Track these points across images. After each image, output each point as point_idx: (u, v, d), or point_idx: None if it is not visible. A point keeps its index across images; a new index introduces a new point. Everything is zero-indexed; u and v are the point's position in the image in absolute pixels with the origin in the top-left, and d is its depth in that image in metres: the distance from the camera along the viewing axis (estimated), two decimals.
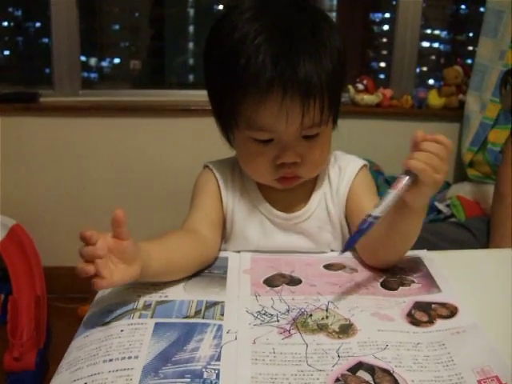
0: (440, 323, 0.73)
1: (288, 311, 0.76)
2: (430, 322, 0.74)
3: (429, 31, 2.83)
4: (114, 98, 2.56)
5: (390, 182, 2.28)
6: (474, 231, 1.35)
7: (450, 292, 0.81)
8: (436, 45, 2.98)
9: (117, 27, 3.02)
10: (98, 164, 2.53)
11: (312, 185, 0.98)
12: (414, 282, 0.85)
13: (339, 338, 0.70)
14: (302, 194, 0.97)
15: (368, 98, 2.48)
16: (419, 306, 0.77)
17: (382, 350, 0.67)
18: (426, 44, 2.80)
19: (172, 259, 0.81)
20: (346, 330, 0.71)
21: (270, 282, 0.84)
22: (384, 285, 0.84)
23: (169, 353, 0.66)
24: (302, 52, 0.80)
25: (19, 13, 2.95)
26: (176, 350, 0.66)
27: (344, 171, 0.99)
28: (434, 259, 0.91)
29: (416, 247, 0.90)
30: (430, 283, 0.84)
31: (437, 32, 2.94)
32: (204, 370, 0.63)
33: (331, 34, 0.85)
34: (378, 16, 3.04)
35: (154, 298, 0.78)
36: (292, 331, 0.71)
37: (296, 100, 0.80)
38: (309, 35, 0.82)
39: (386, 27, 3.00)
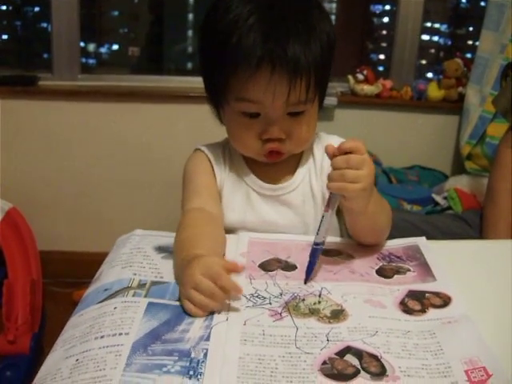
0: (432, 312, 0.73)
1: (281, 295, 0.76)
2: (423, 310, 0.74)
3: (429, 24, 2.82)
4: (113, 82, 2.55)
5: (387, 172, 2.29)
6: (471, 223, 1.35)
7: (444, 281, 0.81)
8: (436, 38, 2.99)
9: (116, 13, 3.03)
10: (95, 148, 2.52)
11: (297, 161, 1.01)
12: (409, 270, 0.85)
13: (330, 322, 0.70)
14: (288, 169, 1.00)
15: (368, 89, 2.48)
16: (413, 294, 0.78)
17: (371, 336, 0.67)
18: (425, 37, 2.79)
19: (219, 248, 0.87)
20: (337, 315, 0.72)
21: (266, 267, 0.84)
22: (379, 272, 0.84)
23: (159, 331, 0.66)
24: (292, 33, 0.84)
25: None
26: (166, 329, 0.67)
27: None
28: (431, 248, 0.91)
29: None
30: (426, 272, 0.84)
31: (437, 25, 2.95)
32: (192, 349, 0.63)
33: (322, 19, 0.89)
34: (378, 8, 3.05)
35: (149, 277, 0.78)
36: (283, 314, 0.71)
37: (283, 77, 0.84)
38: (300, 18, 0.86)
39: (385, 19, 3.01)
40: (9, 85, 2.42)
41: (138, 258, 0.83)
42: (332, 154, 0.80)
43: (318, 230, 0.81)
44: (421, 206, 2.12)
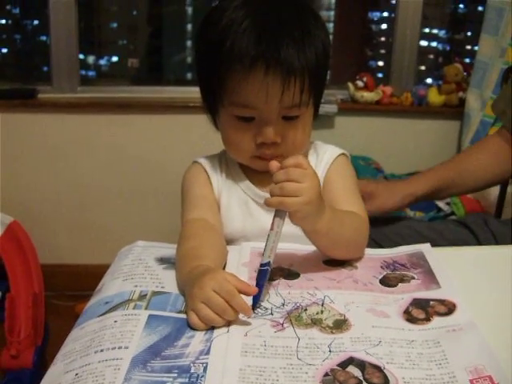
0: (437, 320, 0.72)
1: (283, 305, 0.75)
2: (427, 319, 0.73)
3: (427, 30, 2.83)
4: (112, 94, 2.55)
5: (389, 179, 2.28)
6: (474, 228, 1.33)
7: (449, 288, 0.79)
8: (434, 44, 2.99)
9: (115, 25, 3.03)
10: (95, 160, 2.52)
11: None
12: (414, 278, 0.84)
13: (332, 333, 0.69)
14: None
15: (368, 96, 2.47)
16: (417, 302, 0.76)
17: (374, 346, 0.66)
18: (424, 43, 2.79)
19: (222, 259, 0.87)
20: (340, 325, 0.71)
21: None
22: (383, 281, 0.83)
23: (159, 347, 0.65)
24: (286, 37, 0.84)
25: (17, 10, 2.94)
26: (166, 344, 0.66)
27: (321, 158, 1.01)
28: (436, 254, 0.90)
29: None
30: (430, 279, 0.82)
31: (435, 31, 2.95)
32: (192, 364, 0.62)
33: (317, 27, 0.89)
34: (376, 15, 3.05)
35: (150, 288, 0.78)
36: (285, 325, 0.71)
37: (277, 78, 0.84)
38: (295, 24, 0.86)
39: (384, 26, 3.01)
40: (8, 98, 2.43)
41: (139, 270, 0.83)
42: (275, 171, 0.78)
43: (264, 249, 0.77)
44: (424, 213, 2.11)
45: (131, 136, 2.50)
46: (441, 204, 2.10)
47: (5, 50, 2.97)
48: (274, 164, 0.78)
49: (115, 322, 0.70)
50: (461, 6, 3.03)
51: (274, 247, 0.77)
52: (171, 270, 0.83)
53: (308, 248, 0.91)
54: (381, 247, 0.99)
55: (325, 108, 2.34)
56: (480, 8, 2.75)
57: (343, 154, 1.02)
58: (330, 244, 0.87)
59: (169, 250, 0.90)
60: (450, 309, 0.74)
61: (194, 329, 0.69)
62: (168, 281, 0.81)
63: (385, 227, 1.31)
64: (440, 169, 1.37)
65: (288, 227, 0.97)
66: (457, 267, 0.87)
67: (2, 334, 1.91)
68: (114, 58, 3.06)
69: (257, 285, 0.75)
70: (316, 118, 0.97)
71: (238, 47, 0.84)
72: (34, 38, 2.93)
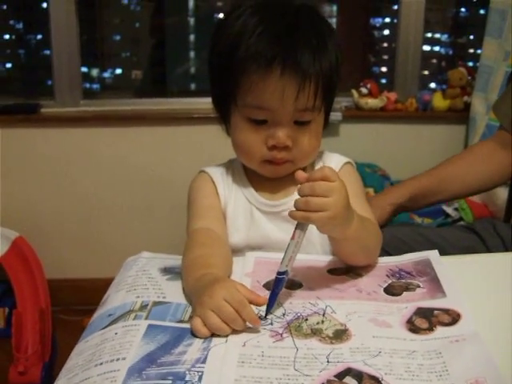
0: (440, 331, 0.70)
1: (284, 315, 0.74)
2: (430, 329, 0.71)
3: (429, 35, 2.82)
4: (116, 107, 2.55)
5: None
6: (482, 233, 1.31)
7: (454, 297, 0.78)
8: (437, 48, 2.98)
9: (118, 38, 3.04)
10: (100, 174, 2.52)
11: None
12: (419, 286, 0.82)
13: (332, 343, 0.68)
14: (290, 185, 0.98)
15: (372, 102, 2.46)
16: (421, 312, 0.75)
17: (373, 357, 0.65)
18: (426, 48, 2.79)
19: (229, 268, 0.87)
20: (340, 335, 0.70)
21: (270, 286, 0.81)
22: (387, 290, 0.82)
23: (155, 355, 0.65)
24: (303, 42, 0.86)
25: (20, 25, 2.96)
26: (163, 352, 0.65)
27: (329, 164, 1.00)
28: (443, 262, 0.89)
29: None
30: (436, 288, 0.81)
31: (437, 35, 2.95)
32: (187, 372, 0.62)
33: (332, 40, 0.91)
34: (378, 21, 3.05)
35: (152, 298, 0.78)
36: (284, 335, 0.70)
37: (293, 80, 0.85)
38: (312, 32, 0.88)
39: (386, 32, 3.01)
40: (11, 113, 2.43)
41: (142, 281, 0.83)
42: (301, 182, 0.76)
43: (283, 258, 0.77)
44: (432, 219, 2.10)
45: (135, 149, 2.50)
46: (449, 210, 2.09)
47: (9, 65, 2.99)
48: (300, 174, 0.77)
49: (116, 334, 0.70)
50: (462, 9, 3.02)
51: (292, 257, 0.77)
52: (174, 281, 0.83)
53: (312, 257, 0.91)
54: (389, 255, 0.97)
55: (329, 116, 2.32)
56: (482, 11, 2.77)
57: (349, 162, 1.02)
58: (356, 251, 0.87)
59: (173, 261, 0.90)
60: (454, 318, 0.73)
61: (194, 336, 0.69)
62: (170, 291, 0.80)
63: (393, 235, 1.29)
64: (422, 176, 1.36)
65: (289, 234, 0.96)
66: (464, 275, 0.86)
67: (9, 350, 1.91)
68: (118, 71, 3.07)
69: (272, 292, 0.75)
70: (326, 127, 0.98)
71: (255, 48, 0.85)
72: (38, 53, 2.94)
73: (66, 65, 2.50)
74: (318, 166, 1.01)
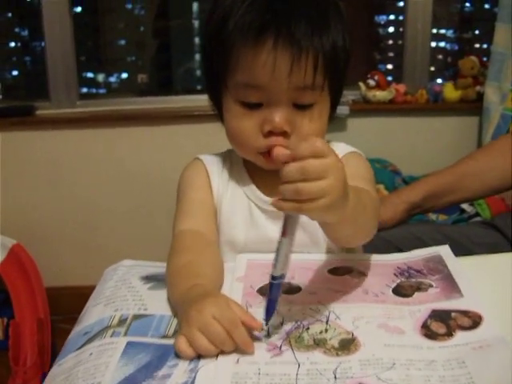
0: (460, 336, 0.63)
1: (282, 324, 0.67)
2: (449, 334, 0.64)
3: (435, 31, 2.80)
4: (113, 107, 2.51)
5: (407, 182, 2.20)
6: (504, 229, 1.25)
7: (473, 297, 0.71)
8: (442, 44, 2.96)
9: (123, 42, 3.04)
10: (99, 177, 2.47)
11: None
12: (431, 285, 0.75)
13: (338, 355, 0.60)
14: None
15: (380, 95, 2.39)
16: (436, 314, 0.68)
17: (387, 370, 0.57)
18: (432, 44, 2.75)
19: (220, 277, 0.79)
20: (347, 345, 0.62)
21: (265, 291, 0.74)
22: (396, 291, 0.74)
23: (135, 379, 0.57)
24: (300, 12, 0.77)
25: (26, 33, 2.96)
26: (144, 375, 0.58)
27: None
28: (456, 258, 0.81)
29: None
30: (451, 287, 0.74)
31: (443, 31, 2.93)
32: None
33: (339, 20, 0.82)
34: (382, 18, 3.04)
35: (131, 311, 0.70)
36: (283, 348, 0.62)
37: (286, 52, 0.75)
38: (312, 5, 0.79)
39: (391, 29, 3.00)
40: (6, 116, 2.40)
41: (121, 292, 0.75)
42: (283, 161, 0.60)
43: (275, 260, 0.64)
44: (447, 215, 2.03)
45: (134, 149, 2.46)
46: (464, 205, 2.02)
47: (15, 73, 2.99)
48: (279, 150, 0.64)
49: (91, 354, 0.62)
50: (467, 4, 3.01)
51: (287, 256, 0.63)
52: (157, 290, 0.75)
53: (310, 257, 0.83)
54: None
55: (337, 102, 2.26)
56: (487, 6, 2.82)
57: (356, 152, 0.92)
58: (352, 233, 0.75)
59: (156, 268, 0.82)
60: (475, 321, 0.65)
61: (178, 356, 0.60)
62: (152, 302, 0.72)
63: (410, 232, 1.23)
64: (439, 173, 1.30)
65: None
66: (484, 273, 0.78)
67: (8, 362, 1.86)
68: (124, 75, 3.07)
69: (268, 301, 0.65)
70: (333, 117, 0.87)
71: (243, 19, 0.76)
72: (43, 59, 2.94)
73: (61, 65, 2.46)
74: None
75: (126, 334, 0.65)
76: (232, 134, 0.85)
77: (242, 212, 0.90)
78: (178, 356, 0.60)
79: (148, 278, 0.79)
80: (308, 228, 0.86)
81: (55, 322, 2.09)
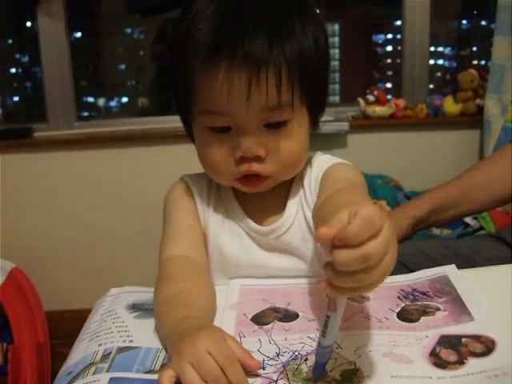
0: (473, 363, 0.58)
1: (278, 355, 0.62)
2: (460, 362, 0.59)
3: (432, 48, 2.81)
4: (111, 128, 2.50)
5: (410, 197, 2.18)
6: (511, 242, 1.21)
7: (484, 320, 0.66)
8: (440, 62, 2.98)
9: (123, 67, 3.06)
10: (98, 199, 2.46)
11: (286, 191, 0.84)
12: (439, 309, 0.70)
13: None
14: (278, 202, 0.84)
15: (380, 110, 2.38)
16: (446, 341, 0.63)
17: None
18: (430, 61, 2.76)
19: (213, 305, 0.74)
20: (350, 377, 0.57)
21: (260, 319, 0.70)
22: (401, 315, 0.70)
23: None
24: (254, 24, 0.69)
25: (26, 59, 2.98)
26: None
27: (316, 168, 0.85)
28: (464, 278, 0.76)
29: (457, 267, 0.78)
30: (460, 310, 0.69)
31: (440, 49, 2.95)
32: None
33: (307, 22, 0.74)
34: (380, 37, 3.05)
35: (116, 343, 0.65)
36: (280, 382, 0.57)
37: (242, 71, 0.69)
38: (271, 13, 0.72)
39: (389, 48, 3.02)
40: (3, 139, 2.40)
41: (106, 325, 0.70)
42: (331, 244, 0.49)
43: (324, 332, 0.56)
44: (451, 230, 2.01)
45: (132, 170, 2.44)
46: (467, 219, 2.00)
47: (16, 98, 3.02)
48: (322, 232, 0.49)
49: None
50: (464, 21, 3.03)
51: (337, 328, 0.56)
52: (144, 319, 0.71)
53: (307, 281, 0.79)
54: (412, 271, 0.85)
55: (335, 126, 2.27)
56: (483, 22, 2.85)
57: (345, 163, 0.85)
58: None
59: (144, 294, 0.78)
60: (488, 347, 0.61)
61: None
62: (138, 332, 0.67)
63: (416, 248, 1.20)
64: (444, 186, 1.26)
65: (285, 261, 0.82)
66: (493, 290, 0.74)
67: None
68: (124, 99, 3.08)
69: (316, 363, 0.58)
70: (315, 128, 0.81)
71: (196, 40, 0.70)
72: (43, 84, 2.97)
73: (59, 88, 2.48)
74: (306, 175, 0.85)
75: (109, 369, 0.60)
76: (204, 161, 0.81)
77: (230, 238, 0.84)
78: None
79: (135, 307, 0.75)
80: (301, 252, 0.82)
81: (55, 346, 2.07)
